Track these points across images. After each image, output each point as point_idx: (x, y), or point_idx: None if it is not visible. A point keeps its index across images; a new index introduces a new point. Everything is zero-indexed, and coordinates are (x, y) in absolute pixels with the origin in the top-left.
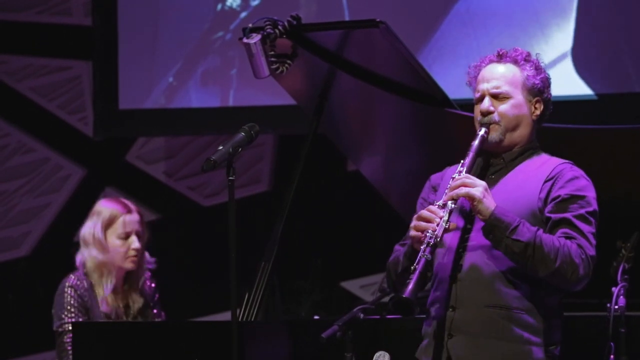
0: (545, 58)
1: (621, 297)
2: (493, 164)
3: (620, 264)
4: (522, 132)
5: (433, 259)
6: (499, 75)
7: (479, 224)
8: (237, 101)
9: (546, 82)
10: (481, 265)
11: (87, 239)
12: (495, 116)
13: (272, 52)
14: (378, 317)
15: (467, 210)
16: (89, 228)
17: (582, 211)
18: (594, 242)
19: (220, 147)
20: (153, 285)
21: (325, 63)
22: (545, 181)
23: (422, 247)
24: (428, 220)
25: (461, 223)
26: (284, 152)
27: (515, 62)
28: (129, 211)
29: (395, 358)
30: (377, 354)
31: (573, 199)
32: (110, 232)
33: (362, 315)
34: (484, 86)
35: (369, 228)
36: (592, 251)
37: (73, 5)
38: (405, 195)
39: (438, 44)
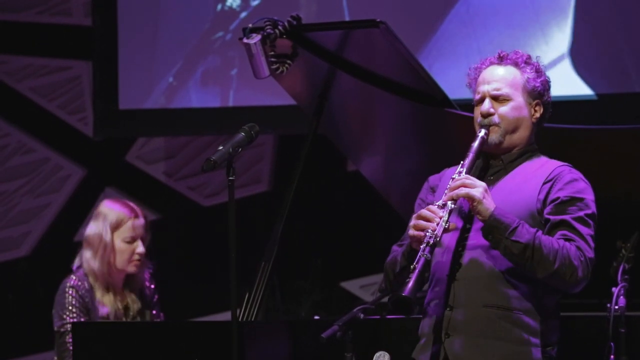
0: (545, 58)
1: (621, 297)
2: (492, 165)
3: (620, 264)
4: (521, 135)
5: (431, 259)
6: (500, 78)
7: (477, 224)
8: (237, 101)
9: (546, 85)
10: (479, 265)
11: (93, 240)
12: (495, 118)
13: (272, 52)
14: (378, 317)
15: (466, 211)
16: (96, 229)
17: (581, 213)
18: (592, 244)
19: (220, 147)
20: (152, 286)
21: (325, 63)
22: (544, 183)
23: (421, 247)
24: (428, 220)
25: (460, 223)
26: (284, 152)
27: (516, 64)
28: (136, 216)
29: (395, 358)
30: (377, 354)
31: (572, 201)
32: (116, 235)
33: (362, 315)
34: (484, 88)
35: (369, 228)
36: (590, 253)
37: (73, 5)
38: (405, 195)
39: (438, 44)
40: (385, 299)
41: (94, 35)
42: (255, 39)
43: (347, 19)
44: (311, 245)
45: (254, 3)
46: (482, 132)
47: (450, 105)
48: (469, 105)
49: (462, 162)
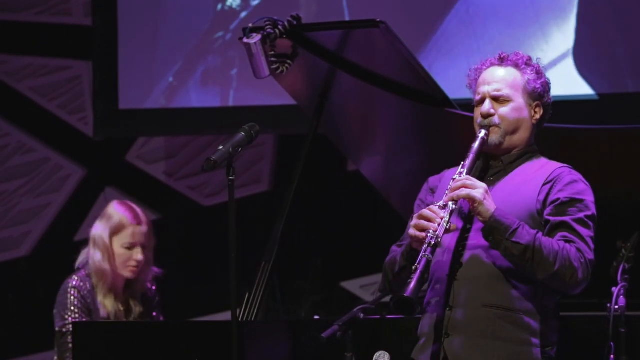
0: (546, 58)
1: (621, 297)
2: (492, 166)
3: (621, 264)
4: (521, 136)
5: (432, 261)
6: (500, 79)
7: (477, 225)
8: (237, 101)
9: (546, 87)
10: (480, 265)
11: (96, 241)
12: (496, 119)
13: (272, 52)
14: (378, 317)
15: (466, 212)
16: (99, 230)
17: (581, 215)
18: (592, 246)
19: (221, 147)
20: (154, 287)
21: (325, 63)
22: (544, 184)
23: (423, 247)
24: (429, 220)
25: (460, 224)
26: (284, 152)
27: (517, 65)
28: (139, 223)
29: (395, 358)
30: (377, 354)
31: (572, 202)
32: (115, 240)
33: (362, 315)
34: (484, 89)
35: (369, 228)
36: (590, 255)
37: (73, 5)
38: (405, 195)
39: (438, 43)
40: (386, 299)
41: (94, 35)
42: (256, 38)
43: (347, 19)
44: (311, 245)
45: (254, 3)
46: (482, 133)
47: (451, 105)
48: (469, 105)
49: (462, 162)
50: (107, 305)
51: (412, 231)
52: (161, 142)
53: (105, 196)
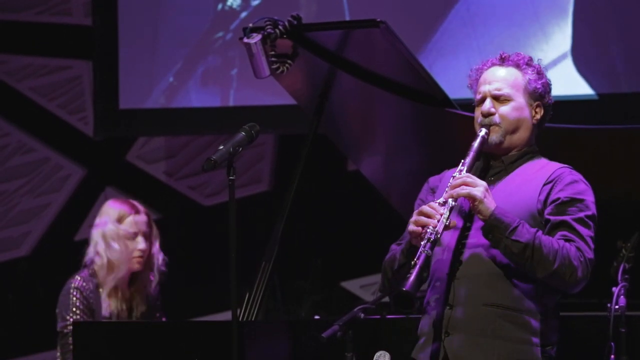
0: (546, 58)
1: (621, 297)
2: (492, 166)
3: (621, 264)
4: (521, 135)
5: (431, 256)
6: (501, 78)
7: (477, 223)
8: (238, 101)
9: (547, 88)
10: (480, 263)
11: (108, 234)
12: (496, 118)
13: (273, 52)
14: (378, 317)
15: (466, 210)
16: (106, 224)
17: (581, 214)
18: (592, 245)
19: (221, 147)
20: (157, 287)
21: (325, 63)
22: (545, 184)
23: (422, 243)
24: (429, 216)
25: (460, 222)
26: (284, 152)
27: (517, 65)
28: (136, 212)
29: (395, 358)
30: (377, 354)
31: (572, 202)
32: None
33: (362, 315)
34: (485, 88)
35: (369, 228)
36: (590, 254)
37: (73, 5)
38: (405, 195)
39: (438, 43)
40: (386, 299)
41: (94, 35)
42: (256, 38)
43: (347, 18)
44: (311, 245)
45: (254, 3)
46: (483, 132)
47: (451, 105)
48: (470, 105)
49: (462, 161)
50: (110, 304)
51: (411, 227)
52: (161, 142)
53: (105, 196)
